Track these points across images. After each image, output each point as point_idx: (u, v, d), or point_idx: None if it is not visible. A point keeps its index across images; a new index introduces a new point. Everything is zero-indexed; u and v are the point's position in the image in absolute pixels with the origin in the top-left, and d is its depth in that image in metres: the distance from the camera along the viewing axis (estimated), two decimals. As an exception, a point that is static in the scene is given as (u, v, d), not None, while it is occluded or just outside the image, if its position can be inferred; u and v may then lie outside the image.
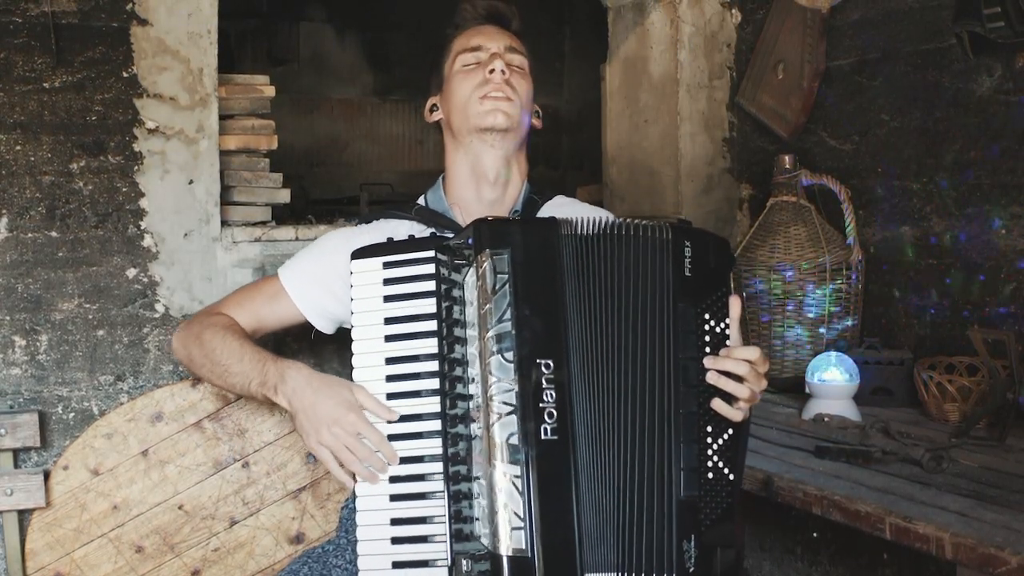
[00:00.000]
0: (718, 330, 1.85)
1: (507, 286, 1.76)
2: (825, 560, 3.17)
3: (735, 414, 1.82)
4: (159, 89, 2.73)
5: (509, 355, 1.73)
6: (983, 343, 2.54)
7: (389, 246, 1.89)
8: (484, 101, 2.10)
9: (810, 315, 2.98)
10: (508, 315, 1.74)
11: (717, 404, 1.81)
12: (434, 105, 2.28)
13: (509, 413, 1.71)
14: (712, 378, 1.81)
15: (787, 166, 3.17)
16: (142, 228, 2.74)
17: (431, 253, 1.83)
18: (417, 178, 5.90)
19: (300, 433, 1.94)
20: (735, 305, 1.89)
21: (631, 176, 3.88)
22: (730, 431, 1.84)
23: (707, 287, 1.86)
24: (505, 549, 1.68)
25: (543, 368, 1.74)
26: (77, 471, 2.58)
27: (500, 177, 2.16)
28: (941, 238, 2.94)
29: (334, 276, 2.14)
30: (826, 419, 2.62)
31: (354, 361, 1.85)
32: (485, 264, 1.77)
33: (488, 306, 1.75)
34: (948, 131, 2.92)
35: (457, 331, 1.78)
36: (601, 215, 2.18)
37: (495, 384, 1.72)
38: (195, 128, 2.76)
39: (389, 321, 1.83)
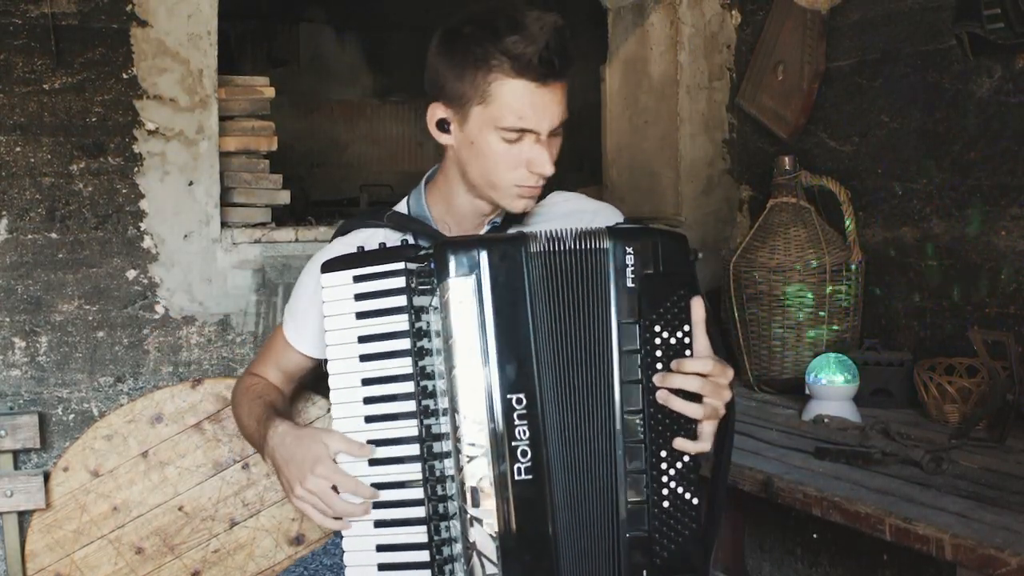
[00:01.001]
0: (673, 340, 1.69)
1: (473, 316, 1.65)
2: (825, 561, 3.17)
3: (691, 445, 1.69)
4: (159, 90, 2.73)
5: (478, 392, 1.64)
6: (983, 344, 2.54)
7: (359, 257, 1.76)
8: (518, 193, 1.91)
9: (810, 316, 2.97)
10: (477, 347, 1.64)
11: (677, 441, 1.68)
12: (444, 122, 1.95)
13: (480, 455, 1.63)
14: (662, 397, 1.67)
15: (787, 167, 3.17)
16: (142, 229, 2.74)
17: (401, 265, 1.70)
18: (416, 179, 5.87)
19: (284, 489, 1.86)
20: (697, 307, 1.71)
21: (631, 177, 3.88)
22: (688, 456, 1.69)
23: (658, 295, 1.69)
24: None
25: (514, 403, 1.64)
26: (77, 472, 2.58)
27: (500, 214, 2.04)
28: (941, 239, 2.94)
29: (319, 308, 1.99)
30: (826, 420, 2.61)
31: (331, 382, 1.75)
32: (448, 294, 1.65)
33: (451, 339, 1.65)
34: (948, 132, 2.92)
35: (427, 345, 1.68)
36: (593, 206, 2.11)
37: (463, 423, 1.64)
38: (195, 129, 2.76)
39: (363, 340, 1.72)
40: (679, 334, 1.70)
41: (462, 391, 1.65)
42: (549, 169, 1.88)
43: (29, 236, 2.65)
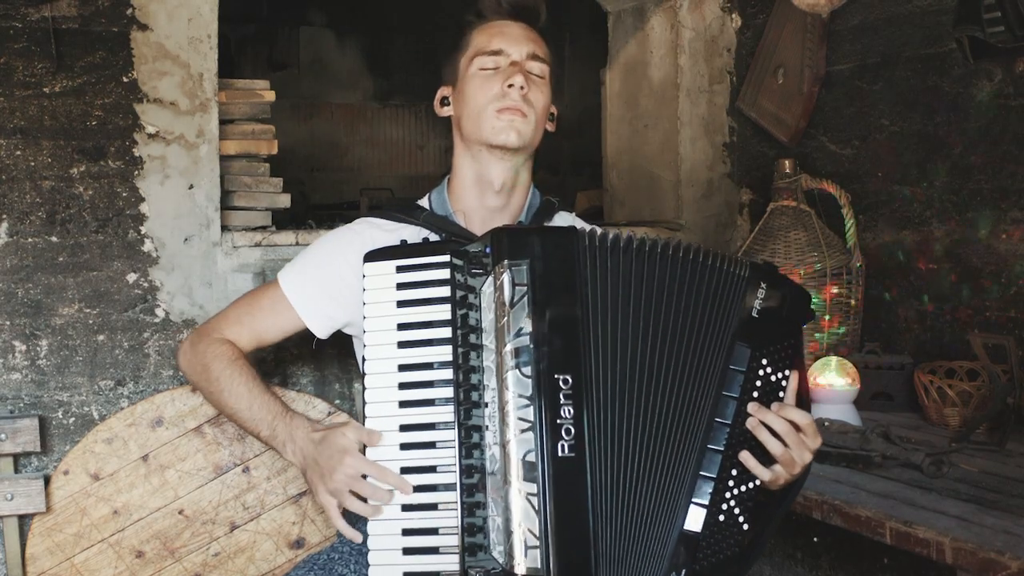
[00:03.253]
0: (773, 379, 1.79)
1: (525, 298, 1.71)
2: (826, 565, 3.17)
3: (762, 471, 1.76)
4: (159, 94, 2.73)
5: (527, 370, 1.69)
6: (983, 348, 2.54)
7: (402, 249, 1.85)
8: (500, 115, 2.02)
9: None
10: (526, 328, 1.70)
11: (744, 455, 1.76)
12: (445, 98, 2.16)
13: (526, 430, 1.67)
14: (751, 424, 1.76)
15: (787, 171, 3.18)
16: (142, 233, 2.74)
17: (447, 258, 1.79)
18: (417, 182, 5.90)
19: (311, 489, 1.92)
20: (792, 382, 1.81)
21: (631, 181, 3.88)
22: (756, 482, 1.77)
23: (773, 334, 1.80)
24: (520, 568, 1.64)
25: (561, 384, 1.69)
26: (77, 476, 2.58)
27: (505, 187, 2.10)
28: (941, 243, 2.95)
29: (335, 279, 2.10)
30: (826, 424, 2.61)
31: (366, 368, 1.81)
32: (503, 275, 1.73)
33: (505, 319, 1.71)
34: (948, 136, 2.92)
35: (472, 338, 1.75)
36: (582, 224, 2.16)
37: (512, 399, 1.68)
38: (195, 133, 2.76)
39: (402, 327, 1.79)
40: (779, 375, 1.80)
41: (512, 370, 1.70)
42: (517, 79, 2.00)
43: (29, 240, 2.65)
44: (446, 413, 1.75)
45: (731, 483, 1.76)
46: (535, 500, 1.66)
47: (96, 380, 2.71)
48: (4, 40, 2.61)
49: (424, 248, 1.84)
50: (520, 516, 1.66)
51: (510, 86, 2.01)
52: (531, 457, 1.67)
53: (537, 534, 1.65)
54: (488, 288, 1.75)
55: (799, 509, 2.17)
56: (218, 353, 2.12)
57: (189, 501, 2.64)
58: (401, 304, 1.80)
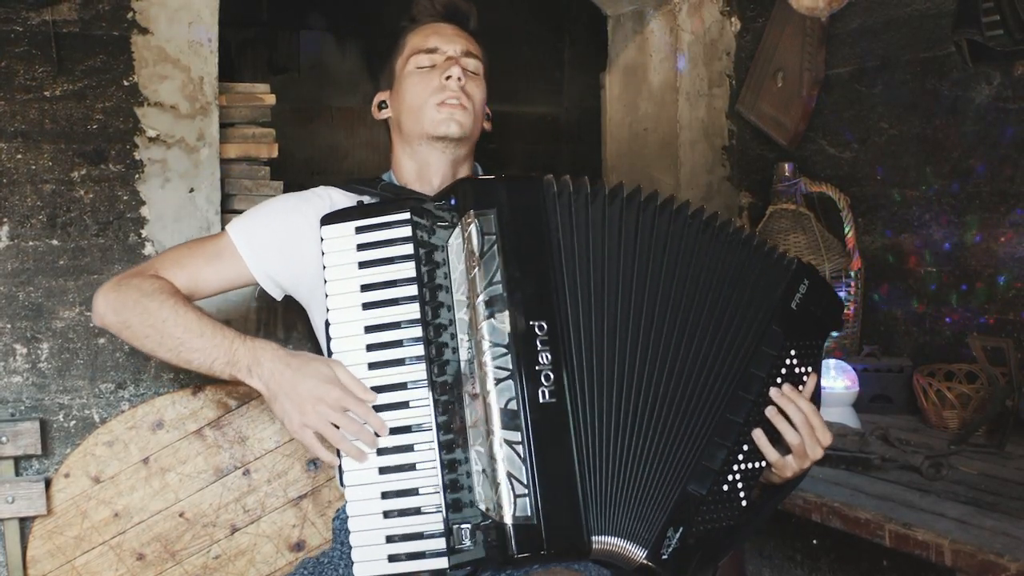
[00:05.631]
0: (797, 371, 1.83)
1: (495, 247, 1.70)
2: (825, 567, 3.17)
3: (773, 453, 1.78)
4: (160, 98, 2.74)
5: (502, 318, 1.68)
6: (982, 350, 2.54)
7: (360, 209, 1.81)
8: (440, 109, 2.02)
9: (810, 322, 2.98)
10: (498, 277, 1.69)
11: (758, 434, 1.78)
12: (383, 102, 2.19)
13: (505, 378, 1.66)
14: (770, 413, 1.79)
15: (787, 174, 3.18)
16: (143, 236, 2.74)
17: (406, 215, 1.76)
18: (417, 186, 5.88)
19: (281, 417, 1.82)
20: (811, 380, 1.85)
21: (631, 184, 3.88)
22: (763, 463, 1.80)
23: (805, 330, 1.85)
24: (509, 517, 1.62)
25: (536, 330, 1.68)
26: (78, 479, 2.58)
27: (446, 180, 2.08)
28: (940, 245, 2.95)
29: (292, 233, 2.02)
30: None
31: (331, 332, 1.76)
32: (471, 226, 1.71)
33: (476, 269, 1.70)
34: (947, 139, 2.92)
35: (441, 295, 1.73)
36: None
37: (488, 349, 1.67)
38: (196, 136, 2.77)
39: (366, 288, 1.75)
40: (802, 369, 1.84)
41: (487, 319, 1.68)
42: (455, 71, 2.02)
43: (30, 243, 2.66)
44: (418, 371, 1.73)
45: (741, 457, 1.78)
46: (520, 448, 1.64)
47: (97, 383, 2.71)
48: (5, 44, 2.61)
49: (383, 207, 1.80)
50: (506, 465, 1.64)
51: (448, 78, 2.03)
52: (512, 405, 1.65)
53: (524, 481, 1.64)
54: (456, 240, 1.73)
55: (799, 511, 2.17)
56: (157, 286, 1.96)
57: (190, 504, 2.64)
58: (363, 265, 1.77)
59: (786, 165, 3.20)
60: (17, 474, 2.61)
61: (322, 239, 1.79)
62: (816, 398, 1.85)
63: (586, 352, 1.73)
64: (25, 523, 2.58)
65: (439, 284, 1.74)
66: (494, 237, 1.71)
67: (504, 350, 1.67)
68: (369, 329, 1.75)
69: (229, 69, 3.03)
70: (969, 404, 2.61)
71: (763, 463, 1.79)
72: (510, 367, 1.66)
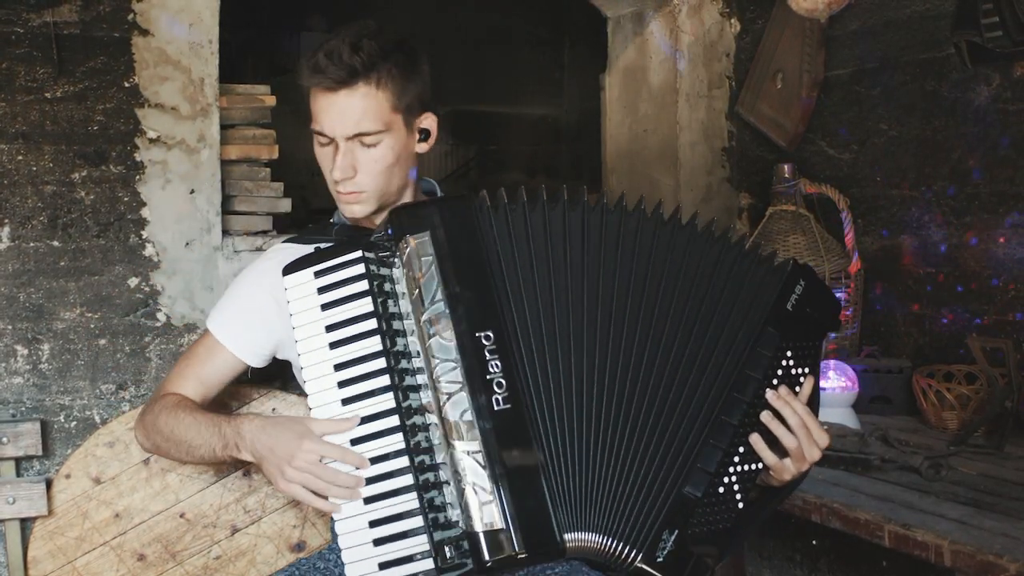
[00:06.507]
0: (794, 373, 1.82)
1: (433, 267, 1.74)
2: (824, 568, 3.18)
3: (770, 456, 1.78)
4: (160, 99, 2.74)
5: (447, 334, 1.72)
6: (981, 351, 2.55)
7: (316, 255, 1.86)
8: (338, 195, 2.03)
9: (809, 323, 2.98)
10: (439, 295, 1.73)
11: (755, 438, 1.78)
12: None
13: (457, 391, 1.70)
14: (766, 418, 1.78)
15: (786, 175, 3.19)
16: (143, 237, 2.75)
17: (359, 253, 1.81)
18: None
19: (269, 479, 1.90)
20: (808, 381, 1.84)
21: (631, 185, 3.89)
22: (759, 465, 1.79)
23: (802, 331, 1.84)
24: (479, 525, 1.66)
25: (483, 340, 1.72)
26: (79, 479, 2.59)
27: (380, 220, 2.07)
28: (939, 247, 2.95)
29: (258, 309, 2.12)
30: (825, 427, 2.62)
31: (304, 375, 1.82)
32: (407, 250, 1.76)
33: (417, 291, 1.74)
34: (946, 140, 2.93)
35: (396, 324, 1.77)
36: None
37: (439, 365, 1.71)
38: (196, 138, 2.77)
39: (330, 328, 1.81)
40: (798, 371, 1.83)
41: (433, 337, 1.73)
42: (337, 174, 1.98)
43: (31, 244, 2.66)
44: (386, 401, 1.77)
45: (736, 459, 1.78)
46: (479, 456, 1.67)
47: (98, 384, 2.72)
48: (6, 45, 2.62)
49: (337, 249, 1.85)
50: (470, 476, 1.67)
51: (336, 180, 2.00)
52: (468, 416, 1.69)
53: (488, 489, 1.66)
54: (398, 267, 1.78)
55: (798, 512, 2.17)
56: (164, 404, 2.11)
57: (190, 504, 2.64)
58: (325, 307, 1.82)
59: (785, 166, 3.20)
60: (18, 475, 2.62)
61: (285, 288, 1.85)
62: (815, 399, 1.85)
63: (538, 356, 1.76)
64: (26, 524, 2.58)
65: (393, 313, 1.78)
66: (431, 258, 1.76)
67: (453, 364, 1.71)
68: (338, 367, 1.81)
69: (230, 70, 3.03)
70: (968, 405, 2.61)
71: (760, 465, 1.79)
72: (460, 380, 1.71)
